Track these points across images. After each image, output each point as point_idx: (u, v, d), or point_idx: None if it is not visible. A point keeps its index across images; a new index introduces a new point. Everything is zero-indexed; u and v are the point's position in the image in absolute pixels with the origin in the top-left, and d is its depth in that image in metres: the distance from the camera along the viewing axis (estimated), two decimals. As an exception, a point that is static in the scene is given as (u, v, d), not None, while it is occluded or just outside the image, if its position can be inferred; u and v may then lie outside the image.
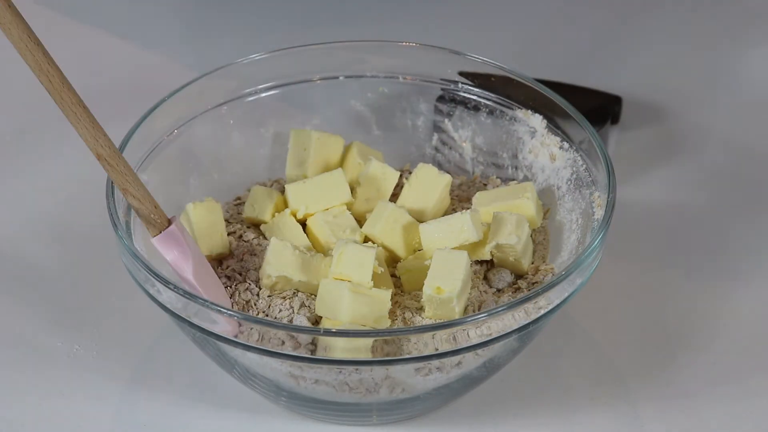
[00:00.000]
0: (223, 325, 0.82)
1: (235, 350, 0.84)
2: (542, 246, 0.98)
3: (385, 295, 0.87)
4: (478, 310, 0.91)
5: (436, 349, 0.81)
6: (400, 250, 0.94)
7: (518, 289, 0.94)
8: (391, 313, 0.90)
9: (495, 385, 0.93)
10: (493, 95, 1.03)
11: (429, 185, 0.98)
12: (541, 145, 1.01)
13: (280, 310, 0.90)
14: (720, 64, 1.32)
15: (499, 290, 0.94)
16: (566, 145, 0.99)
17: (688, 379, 0.95)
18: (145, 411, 0.93)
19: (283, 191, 1.02)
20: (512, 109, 1.03)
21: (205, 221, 0.95)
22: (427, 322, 0.89)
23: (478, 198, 0.98)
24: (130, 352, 0.98)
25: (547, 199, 1.00)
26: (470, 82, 1.04)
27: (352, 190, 0.99)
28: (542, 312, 0.83)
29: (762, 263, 1.06)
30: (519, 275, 0.95)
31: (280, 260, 0.90)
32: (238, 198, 1.03)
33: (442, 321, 0.88)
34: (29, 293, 1.03)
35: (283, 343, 0.81)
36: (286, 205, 0.99)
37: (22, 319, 1.00)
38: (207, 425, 0.92)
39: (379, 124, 1.08)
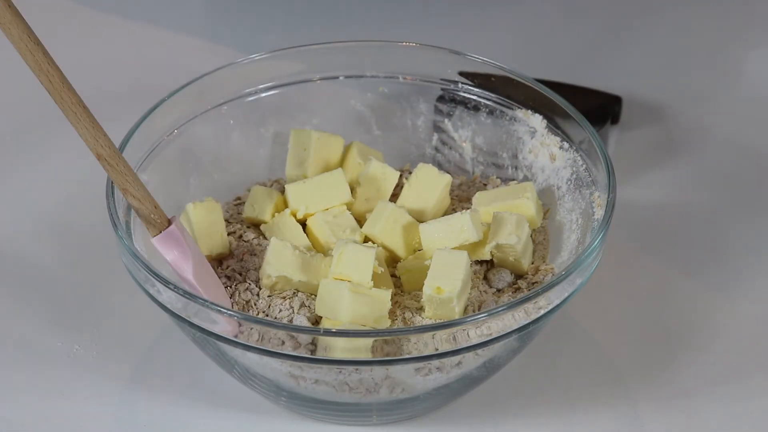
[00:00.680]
0: (223, 325, 0.82)
1: (235, 350, 0.84)
2: (542, 246, 0.98)
3: (385, 295, 0.87)
4: (478, 310, 0.91)
5: (436, 349, 0.81)
6: (400, 250, 0.94)
7: (518, 289, 0.94)
8: (391, 313, 0.90)
9: (495, 385, 0.93)
10: (493, 95, 1.03)
11: (429, 185, 0.98)
12: (541, 145, 1.01)
13: (280, 310, 0.90)
14: (720, 64, 1.32)
15: (499, 290, 0.94)
16: (566, 145, 0.99)
17: (688, 379, 0.95)
18: (145, 411, 0.93)
19: (283, 191, 1.02)
20: (512, 109, 1.03)
21: (205, 221, 0.95)
22: (427, 322, 0.89)
23: (478, 198, 0.98)
24: (130, 352, 0.98)
25: (547, 199, 1.00)
26: (470, 82, 1.04)
27: (352, 190, 0.99)
28: (542, 312, 0.83)
29: (762, 263, 1.06)
30: (519, 275, 0.95)
31: (280, 260, 0.90)
32: (238, 198, 1.03)
33: (442, 321, 0.88)
34: (29, 293, 1.03)
35: (283, 343, 0.81)
36: (286, 205, 0.99)
37: (22, 319, 1.00)
38: (207, 425, 0.92)
39: (379, 124, 1.08)
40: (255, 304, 0.91)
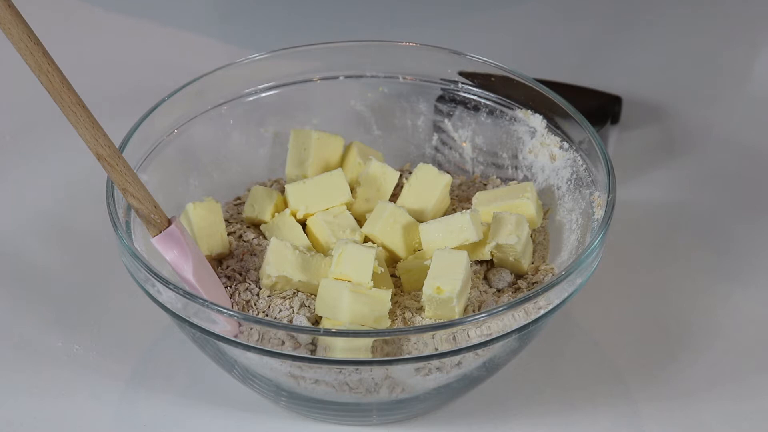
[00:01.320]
0: (223, 325, 0.82)
1: (235, 350, 0.84)
2: (542, 246, 0.98)
3: (385, 295, 0.87)
4: (478, 310, 0.91)
5: (436, 349, 0.81)
6: (400, 250, 0.94)
7: (518, 289, 0.94)
8: (391, 313, 0.90)
9: (495, 385, 0.93)
10: (493, 95, 1.03)
11: (429, 185, 0.98)
12: (541, 145, 1.01)
13: (280, 310, 0.90)
14: (720, 64, 1.32)
15: (499, 290, 0.94)
16: (566, 145, 0.99)
17: (688, 379, 0.96)
18: (145, 411, 0.93)
19: (283, 191, 1.02)
20: (512, 109, 1.03)
21: (205, 221, 0.95)
22: (427, 322, 0.89)
23: (478, 198, 0.98)
24: (130, 352, 0.98)
25: (547, 199, 1.00)
26: (470, 82, 1.04)
27: (352, 190, 0.99)
28: (542, 312, 0.83)
29: (762, 263, 1.06)
30: (519, 275, 0.95)
31: (280, 260, 0.90)
32: (238, 198, 1.03)
33: (442, 321, 0.88)
34: (29, 293, 1.03)
35: (283, 343, 0.81)
36: (286, 205, 0.99)
37: (22, 319, 1.00)
38: (207, 425, 0.92)
39: (379, 124, 1.08)
40: (255, 304, 0.91)
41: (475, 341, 0.81)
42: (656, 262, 1.06)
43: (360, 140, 1.05)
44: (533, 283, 0.94)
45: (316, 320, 0.90)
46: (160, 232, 0.86)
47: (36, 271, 1.05)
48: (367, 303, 0.86)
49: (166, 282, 0.83)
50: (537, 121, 1.01)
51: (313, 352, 0.81)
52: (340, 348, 0.80)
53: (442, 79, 1.05)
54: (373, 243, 0.94)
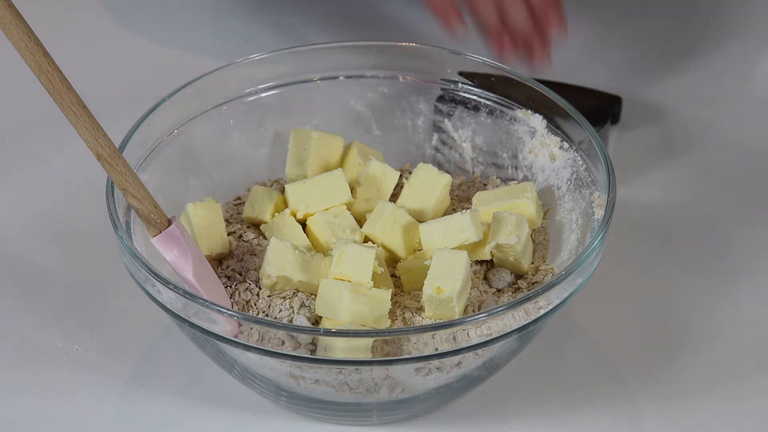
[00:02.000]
0: (223, 325, 0.82)
1: (235, 350, 0.84)
2: (542, 246, 0.98)
3: (385, 295, 0.87)
4: (478, 310, 0.91)
5: (436, 349, 0.81)
6: (400, 250, 0.94)
7: (518, 289, 0.94)
8: (391, 313, 0.90)
9: (495, 385, 0.93)
10: (493, 95, 1.03)
11: (429, 185, 0.98)
12: (541, 145, 1.01)
13: (280, 310, 0.90)
14: (720, 63, 1.32)
15: (499, 290, 0.94)
16: (566, 145, 0.99)
17: (688, 379, 0.95)
18: (145, 411, 0.93)
19: (283, 191, 1.02)
20: (512, 109, 1.03)
21: (205, 221, 0.95)
22: (427, 322, 0.89)
23: (478, 198, 0.98)
24: (130, 352, 0.98)
25: (547, 199, 1.00)
26: (470, 82, 1.04)
27: (352, 190, 0.99)
28: (542, 312, 0.83)
29: (762, 263, 1.06)
30: (519, 275, 0.95)
31: (280, 260, 0.90)
32: (238, 198, 1.03)
33: (442, 321, 0.88)
34: (29, 293, 1.03)
35: (283, 343, 0.81)
36: (286, 205, 0.99)
37: (22, 319, 1.00)
38: (207, 425, 0.92)
39: (379, 124, 1.08)
40: (255, 304, 0.91)
41: (475, 341, 0.81)
42: (656, 262, 1.06)
43: (360, 140, 1.05)
44: (533, 283, 0.94)
45: (316, 320, 0.90)
46: (160, 232, 0.86)
47: (36, 271, 1.05)
48: (367, 303, 0.86)
49: (166, 282, 0.83)
50: (537, 121, 1.01)
51: (313, 352, 0.81)
52: (340, 348, 0.80)
53: (442, 79, 1.05)
54: (373, 243, 0.94)
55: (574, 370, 0.97)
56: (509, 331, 0.82)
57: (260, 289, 0.92)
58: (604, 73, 1.29)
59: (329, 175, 0.98)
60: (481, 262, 0.95)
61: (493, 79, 1.03)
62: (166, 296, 0.83)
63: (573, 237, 0.95)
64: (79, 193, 1.12)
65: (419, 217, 0.96)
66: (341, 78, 1.06)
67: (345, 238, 0.94)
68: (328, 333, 0.81)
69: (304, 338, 0.80)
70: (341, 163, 1.03)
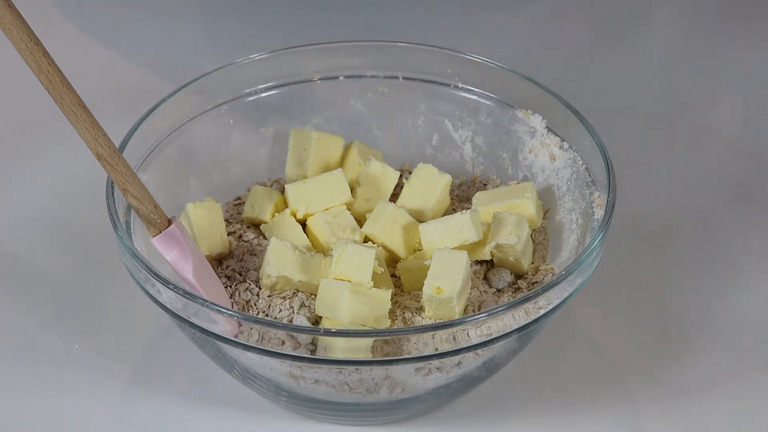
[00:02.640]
0: (223, 325, 0.82)
1: (235, 350, 0.84)
2: (542, 246, 0.98)
3: (385, 295, 0.87)
4: (478, 310, 0.91)
5: (436, 349, 0.81)
6: (400, 250, 0.94)
7: (518, 289, 0.94)
8: (391, 313, 0.90)
9: (495, 385, 0.94)
10: (493, 95, 1.03)
11: (429, 185, 0.98)
12: (541, 145, 1.01)
13: (280, 310, 0.90)
14: (720, 63, 1.32)
15: (499, 290, 0.94)
16: (566, 145, 0.99)
17: (688, 379, 0.96)
18: (145, 411, 0.93)
19: (283, 191, 1.02)
20: (512, 109, 1.03)
21: (205, 221, 0.95)
22: (427, 322, 0.89)
23: (478, 198, 0.98)
24: (130, 352, 0.98)
25: (547, 199, 1.00)
26: (470, 82, 1.04)
27: (352, 190, 0.99)
28: (542, 312, 0.83)
29: (762, 263, 1.06)
30: (519, 275, 0.95)
31: (280, 260, 0.90)
32: (238, 198, 1.03)
33: (442, 321, 0.88)
34: (29, 293, 1.03)
35: (283, 343, 0.81)
36: (286, 205, 0.99)
37: (22, 319, 1.00)
38: (207, 425, 0.92)
39: (379, 124, 1.08)
40: (255, 304, 0.91)
41: (475, 341, 0.81)
42: (656, 262, 1.06)
43: (360, 140, 1.05)
44: (533, 283, 0.94)
45: (316, 320, 0.90)
46: (160, 232, 0.86)
47: (36, 271, 1.05)
48: (367, 303, 0.86)
49: (166, 282, 0.83)
50: (537, 121, 1.01)
51: (313, 352, 0.81)
52: (340, 348, 0.80)
53: (442, 79, 1.05)
54: (373, 243, 0.94)
55: (574, 370, 0.97)
56: (509, 331, 0.82)
57: (260, 289, 0.92)
58: (604, 73, 1.29)
59: (329, 175, 0.98)
60: (481, 262, 0.95)
61: (493, 79, 1.03)
62: (166, 296, 0.83)
63: (573, 237, 0.95)
64: (79, 193, 1.12)
65: (419, 217, 0.96)
66: (341, 78, 1.06)
67: (345, 238, 0.94)
68: (328, 333, 0.81)
69: (304, 338, 0.80)
70: (341, 163, 1.03)
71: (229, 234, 0.98)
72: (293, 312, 0.90)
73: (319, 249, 0.95)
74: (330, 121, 1.08)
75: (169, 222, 0.86)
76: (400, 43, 1.06)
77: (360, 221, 0.97)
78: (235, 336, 0.82)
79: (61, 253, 1.07)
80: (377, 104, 1.08)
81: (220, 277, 0.93)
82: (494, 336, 0.82)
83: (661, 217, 1.11)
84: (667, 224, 1.11)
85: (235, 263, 0.95)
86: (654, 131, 1.22)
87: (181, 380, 0.96)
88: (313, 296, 0.91)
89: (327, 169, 1.01)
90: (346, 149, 1.03)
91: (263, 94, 1.05)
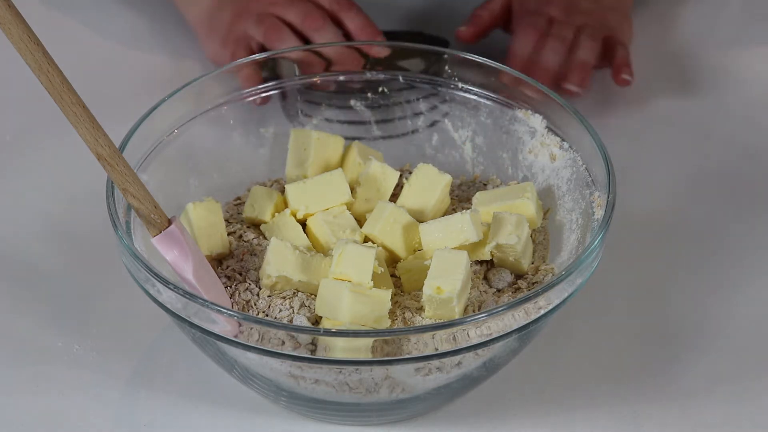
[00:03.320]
0: (223, 325, 0.82)
1: (235, 350, 0.84)
2: (542, 246, 0.98)
3: (385, 295, 0.87)
4: (478, 310, 0.91)
5: (436, 349, 0.81)
6: (400, 250, 0.94)
7: (518, 289, 0.94)
8: (391, 313, 0.90)
9: (495, 385, 0.93)
10: (493, 95, 1.03)
11: (429, 185, 0.98)
12: (541, 145, 1.01)
13: (280, 310, 0.90)
14: (720, 63, 1.32)
15: (499, 290, 0.94)
16: (566, 145, 0.99)
17: (688, 379, 0.96)
18: (145, 411, 0.93)
19: (283, 191, 1.02)
20: (512, 109, 1.03)
21: (205, 221, 0.95)
22: (427, 322, 0.89)
23: (478, 198, 0.98)
24: (130, 352, 0.98)
25: (547, 199, 1.00)
26: (470, 82, 1.04)
27: (352, 190, 0.99)
28: (542, 312, 0.83)
29: (762, 263, 1.06)
30: (519, 275, 0.95)
31: (280, 260, 0.90)
32: (238, 198, 1.03)
33: (442, 321, 0.88)
34: (29, 293, 1.03)
35: (283, 343, 0.81)
36: (286, 205, 0.99)
37: (22, 319, 1.00)
38: (207, 425, 0.92)
39: (379, 124, 1.08)
40: (255, 304, 0.91)
41: (475, 341, 0.81)
42: (656, 262, 1.06)
43: (360, 140, 1.05)
44: (533, 283, 0.94)
45: (316, 320, 0.90)
46: (160, 232, 0.86)
47: (36, 271, 1.05)
48: (367, 303, 0.86)
49: (166, 282, 0.83)
50: (537, 121, 1.01)
51: (313, 352, 0.81)
52: (340, 348, 0.80)
53: (442, 79, 1.05)
54: (373, 243, 0.94)
55: (574, 370, 0.97)
56: (509, 331, 0.82)
57: (260, 289, 0.92)
58: (604, 73, 1.29)
59: (329, 175, 0.98)
60: (481, 262, 0.95)
61: (493, 79, 1.03)
62: (166, 296, 0.83)
63: (573, 237, 0.95)
64: (79, 193, 1.12)
65: (419, 217, 0.96)
66: (341, 78, 1.06)
67: (345, 238, 0.94)
68: (328, 333, 0.81)
69: (304, 338, 0.80)
70: (341, 163, 1.03)
71: (229, 234, 0.98)
72: (293, 312, 0.90)
73: (319, 249, 0.95)
74: (330, 121, 1.08)
75: (169, 222, 0.86)
76: (400, 44, 1.06)
77: (360, 221, 0.97)
78: (235, 336, 0.82)
79: (61, 253, 1.07)
80: (377, 104, 1.08)
81: (220, 277, 0.93)
82: (494, 336, 0.82)
83: (661, 217, 1.11)
84: (667, 224, 1.11)
85: (235, 263, 0.95)
86: (654, 131, 1.22)
87: (181, 380, 0.96)
88: (313, 296, 0.91)
89: (327, 169, 1.01)
90: (346, 149, 1.03)
91: (263, 94, 1.05)
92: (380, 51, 1.04)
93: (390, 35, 1.12)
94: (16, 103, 1.25)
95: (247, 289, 0.92)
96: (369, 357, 0.81)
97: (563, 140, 0.99)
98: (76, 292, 1.03)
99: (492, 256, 0.94)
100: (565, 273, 0.84)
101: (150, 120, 0.96)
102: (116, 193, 0.88)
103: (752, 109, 1.26)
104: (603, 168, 0.92)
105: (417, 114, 1.07)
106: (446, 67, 1.04)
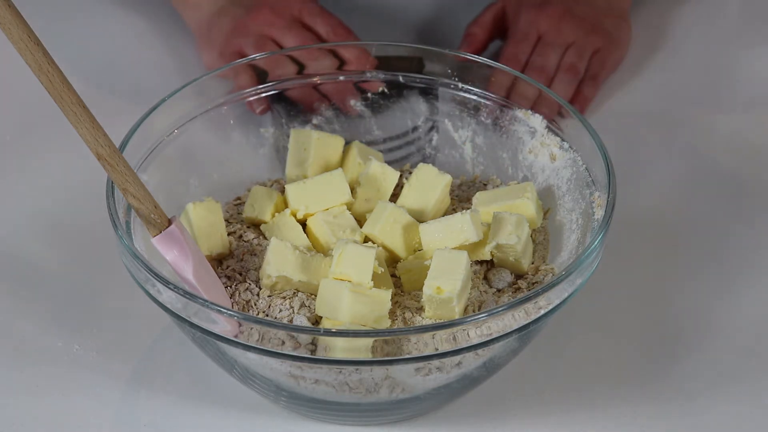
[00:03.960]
0: (223, 325, 0.82)
1: (235, 350, 0.84)
2: (542, 246, 0.98)
3: (385, 295, 0.87)
4: (478, 310, 0.91)
5: (436, 349, 0.81)
6: (400, 250, 0.94)
7: (518, 289, 0.94)
8: (391, 313, 0.90)
9: (495, 385, 0.93)
10: (493, 95, 1.03)
11: (429, 185, 0.98)
12: (541, 145, 1.01)
13: (280, 310, 0.90)
14: (720, 63, 1.32)
15: (499, 290, 0.94)
16: (566, 145, 0.99)
17: (688, 379, 0.96)
18: (145, 411, 0.93)
19: (283, 191, 1.02)
20: (512, 109, 1.03)
21: (205, 221, 0.95)
22: (427, 322, 0.89)
23: (478, 198, 0.98)
24: (130, 352, 0.98)
25: (547, 199, 1.00)
26: (470, 82, 1.04)
27: (352, 190, 0.99)
28: (542, 312, 0.83)
29: (762, 263, 1.06)
30: (519, 275, 0.95)
31: (280, 260, 0.90)
32: (238, 198, 1.03)
33: (442, 321, 0.88)
34: (29, 293, 1.03)
35: (283, 343, 0.81)
36: (286, 205, 0.99)
37: (22, 319, 1.00)
38: (207, 425, 0.92)
39: (379, 124, 1.08)
40: (255, 304, 0.91)
41: (475, 341, 0.81)
42: (656, 262, 1.06)
43: (360, 140, 1.05)
44: (533, 283, 0.94)
45: (316, 320, 0.90)
46: (160, 232, 0.86)
47: (36, 271, 1.05)
48: (367, 303, 0.86)
49: (166, 282, 0.83)
50: (537, 121, 1.01)
51: (313, 352, 0.81)
52: (340, 348, 0.80)
53: (441, 79, 1.05)
54: (373, 243, 0.94)
55: (574, 370, 0.97)
56: (509, 331, 0.82)
57: (260, 289, 0.92)
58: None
59: (329, 175, 0.98)
60: (481, 262, 0.95)
61: (493, 79, 1.03)
62: (166, 296, 0.83)
63: (573, 237, 0.95)
64: (79, 193, 1.12)
65: (419, 217, 0.96)
66: (341, 78, 1.06)
67: (345, 238, 0.94)
68: (328, 333, 0.81)
69: (304, 338, 0.80)
70: (341, 163, 1.03)
71: (229, 234, 0.98)
72: (293, 312, 0.90)
73: (319, 249, 0.95)
74: (330, 121, 1.08)
75: (169, 222, 0.86)
76: (400, 44, 1.06)
77: (360, 221, 0.97)
78: (235, 336, 0.82)
79: (61, 253, 1.07)
80: (377, 104, 1.08)
81: (220, 277, 0.93)
82: (494, 336, 0.82)
83: (661, 217, 1.11)
84: (667, 224, 1.11)
85: (235, 263, 0.95)
86: (654, 131, 1.22)
87: (181, 380, 0.96)
88: (313, 296, 0.91)
89: (327, 169, 1.01)
90: (346, 149, 1.03)
91: (263, 94, 1.05)
92: (375, 85, 1.05)
93: (383, 60, 1.11)
94: (16, 103, 1.25)
95: (247, 289, 0.92)
96: (369, 357, 0.81)
97: (563, 140, 0.99)
98: (76, 292, 1.03)
99: (492, 256, 0.94)
100: (565, 273, 0.84)
101: (150, 120, 0.96)
102: (116, 193, 0.88)
103: (752, 109, 1.26)
104: (603, 168, 0.92)
105: (417, 114, 1.07)
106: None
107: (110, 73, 1.30)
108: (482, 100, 1.04)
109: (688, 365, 0.97)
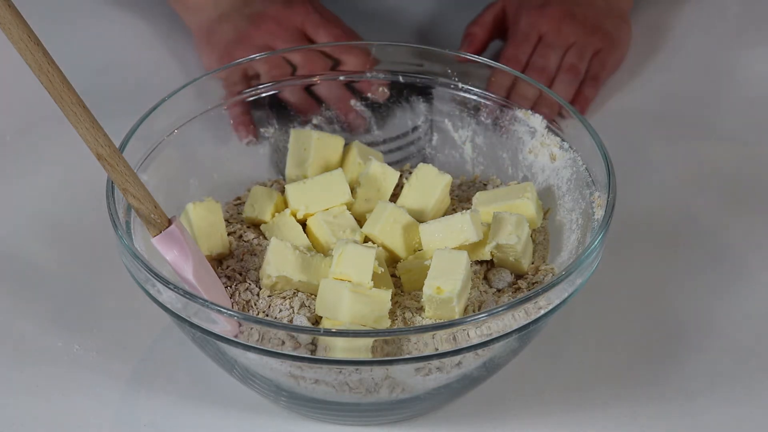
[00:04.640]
0: (223, 325, 0.82)
1: (235, 350, 0.84)
2: (542, 246, 0.98)
3: (385, 295, 0.87)
4: (478, 310, 0.91)
5: (436, 349, 0.81)
6: (400, 250, 0.94)
7: (518, 289, 0.94)
8: (391, 313, 0.90)
9: (495, 385, 0.93)
10: (493, 95, 1.03)
11: (429, 185, 0.98)
12: (541, 145, 1.01)
13: (280, 310, 0.90)
14: (720, 63, 1.32)
15: (499, 290, 0.94)
16: (566, 145, 0.99)
17: (688, 379, 0.96)
18: (145, 411, 0.93)
19: (283, 191, 1.02)
20: (512, 109, 1.03)
21: (205, 221, 0.95)
22: (427, 322, 0.89)
23: (478, 198, 0.98)
24: (130, 352, 0.98)
25: (547, 199, 1.00)
26: (470, 82, 1.04)
27: (352, 190, 0.99)
28: (542, 312, 0.83)
29: (762, 263, 1.06)
30: (519, 275, 0.95)
31: (280, 260, 0.90)
32: (238, 198, 1.03)
33: (442, 321, 0.88)
34: (29, 293, 1.03)
35: (283, 343, 0.81)
36: (286, 205, 0.99)
37: (22, 319, 1.00)
38: (207, 425, 0.92)
39: (379, 124, 1.08)
40: (255, 304, 0.91)
41: (475, 341, 0.81)
42: (656, 262, 1.06)
43: (360, 140, 1.05)
44: (533, 283, 0.94)
45: (316, 320, 0.90)
46: (160, 232, 0.86)
47: (36, 271, 1.05)
48: (367, 303, 0.86)
49: (166, 282, 0.83)
50: (537, 121, 1.01)
51: (313, 352, 0.81)
52: (340, 348, 0.80)
53: (442, 79, 1.05)
54: (373, 243, 0.94)
55: (574, 370, 0.97)
56: (509, 331, 0.82)
57: (260, 289, 0.92)
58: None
59: (329, 175, 0.98)
60: (481, 262, 0.95)
61: (493, 79, 1.03)
62: (166, 296, 0.83)
63: (573, 237, 0.95)
64: (79, 193, 1.12)
65: (419, 217, 0.96)
66: (341, 78, 1.06)
67: (345, 238, 0.94)
68: (328, 333, 0.81)
69: (304, 338, 0.80)
70: (341, 163, 1.03)
71: (229, 234, 0.98)
72: (293, 312, 0.90)
73: (319, 249, 0.95)
74: (330, 121, 1.08)
75: (169, 222, 0.86)
76: (400, 44, 1.06)
77: (360, 221, 0.97)
78: (235, 336, 0.82)
79: (61, 253, 1.07)
80: (377, 104, 1.08)
81: (220, 277, 0.93)
82: (494, 336, 0.82)
83: (661, 217, 1.11)
84: (667, 224, 1.11)
85: (235, 263, 0.95)
86: (654, 131, 1.22)
87: (181, 380, 0.96)
88: (313, 296, 0.91)
89: (327, 169, 1.01)
90: (346, 149, 1.03)
91: (263, 94, 1.05)
92: (382, 94, 1.05)
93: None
94: (16, 103, 1.25)
95: (247, 289, 0.92)
96: (369, 357, 0.81)
97: (563, 140, 0.99)
98: (76, 292, 1.03)
99: (492, 256, 0.94)
100: (565, 273, 0.84)
101: (150, 120, 0.96)
102: (116, 193, 0.88)
103: (752, 109, 1.26)
104: (603, 168, 0.92)
105: (417, 114, 1.07)
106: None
107: (110, 73, 1.30)
108: (482, 100, 1.04)
109: (688, 365, 0.97)
